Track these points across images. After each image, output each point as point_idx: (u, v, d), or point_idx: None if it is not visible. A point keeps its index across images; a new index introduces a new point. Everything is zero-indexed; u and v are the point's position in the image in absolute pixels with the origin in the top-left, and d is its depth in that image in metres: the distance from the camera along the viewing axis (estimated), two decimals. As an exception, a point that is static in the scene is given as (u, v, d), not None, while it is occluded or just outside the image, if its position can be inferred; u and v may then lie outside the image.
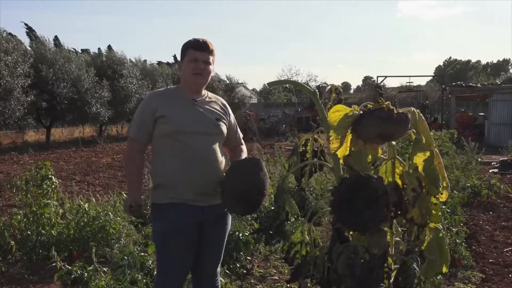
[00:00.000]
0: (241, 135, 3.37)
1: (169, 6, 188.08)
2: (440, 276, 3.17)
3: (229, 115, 3.22)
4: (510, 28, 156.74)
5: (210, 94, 3.20)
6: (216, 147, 3.03)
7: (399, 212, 2.19)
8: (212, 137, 3.02)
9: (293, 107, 38.79)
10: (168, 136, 2.94)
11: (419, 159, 2.17)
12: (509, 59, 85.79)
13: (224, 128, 3.09)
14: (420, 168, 2.17)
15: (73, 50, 24.41)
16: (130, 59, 26.53)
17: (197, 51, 2.99)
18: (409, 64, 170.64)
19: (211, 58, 3.04)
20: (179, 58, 3.13)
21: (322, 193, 7.20)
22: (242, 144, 3.36)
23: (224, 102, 3.27)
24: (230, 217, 3.23)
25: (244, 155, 3.27)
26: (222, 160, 3.06)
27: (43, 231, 5.40)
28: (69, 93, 19.47)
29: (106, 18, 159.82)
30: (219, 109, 3.15)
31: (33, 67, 18.09)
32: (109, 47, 28.01)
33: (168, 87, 3.23)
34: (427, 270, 2.22)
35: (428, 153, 2.16)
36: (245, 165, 2.95)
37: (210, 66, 3.04)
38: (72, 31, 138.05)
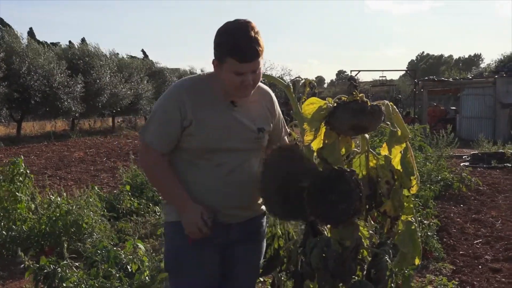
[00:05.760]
0: (287, 131, 2.65)
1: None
2: (411, 269, 3.21)
3: (277, 114, 2.53)
4: (480, 23, 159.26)
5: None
6: (252, 162, 2.39)
7: (373, 205, 2.21)
8: (249, 153, 2.38)
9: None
10: (193, 151, 2.33)
11: (396, 151, 2.18)
12: (480, 54, 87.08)
13: (265, 140, 2.43)
14: (396, 160, 2.19)
15: (45, 43, 24.06)
16: (103, 52, 26.20)
17: (243, 63, 2.16)
18: (382, 59, 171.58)
19: (260, 61, 2.23)
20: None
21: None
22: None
23: (272, 96, 2.54)
24: (264, 236, 2.59)
25: None
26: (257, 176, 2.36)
27: (14, 226, 5.31)
28: (41, 87, 19.19)
29: (79, 12, 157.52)
30: (264, 112, 2.45)
31: (3, 60, 17.80)
32: (83, 40, 27.61)
33: (200, 74, 2.46)
34: (400, 263, 2.24)
35: (404, 145, 2.18)
36: (282, 153, 2.32)
37: (259, 70, 2.26)
38: (45, 25, 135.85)
